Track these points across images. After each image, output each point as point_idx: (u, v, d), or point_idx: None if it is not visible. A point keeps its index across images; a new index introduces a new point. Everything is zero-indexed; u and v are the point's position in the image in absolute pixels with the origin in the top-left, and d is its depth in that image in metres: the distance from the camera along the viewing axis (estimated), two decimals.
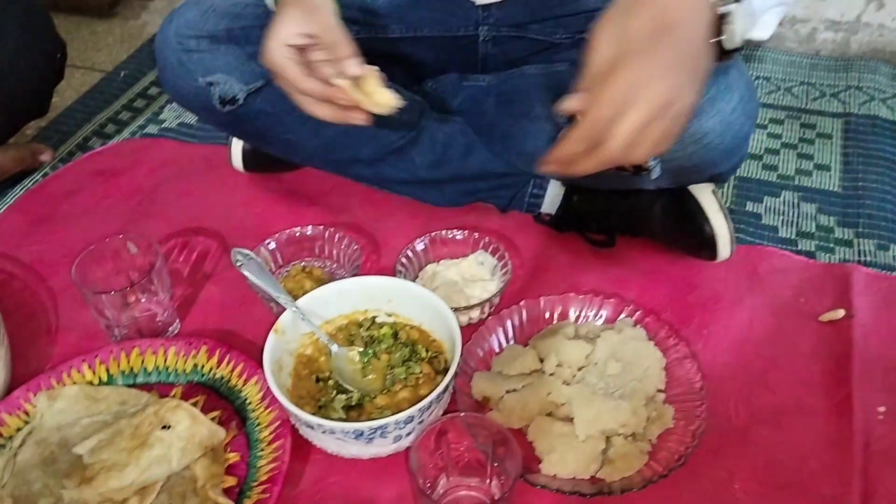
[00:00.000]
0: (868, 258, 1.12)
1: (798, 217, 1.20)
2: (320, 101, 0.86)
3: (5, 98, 1.18)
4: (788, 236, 1.17)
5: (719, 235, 1.01)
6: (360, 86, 0.84)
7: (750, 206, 1.22)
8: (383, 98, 0.84)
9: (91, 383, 0.92)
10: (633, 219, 1.08)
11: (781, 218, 1.20)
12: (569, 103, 0.69)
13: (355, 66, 0.82)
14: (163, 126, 1.45)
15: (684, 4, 0.65)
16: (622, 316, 0.98)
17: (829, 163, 1.31)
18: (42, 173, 1.34)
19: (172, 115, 1.47)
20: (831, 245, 1.14)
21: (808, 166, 1.31)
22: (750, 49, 1.62)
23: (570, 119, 0.94)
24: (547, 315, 0.99)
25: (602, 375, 0.90)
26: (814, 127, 1.39)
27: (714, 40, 0.69)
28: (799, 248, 1.14)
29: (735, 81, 0.87)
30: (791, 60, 1.58)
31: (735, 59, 0.88)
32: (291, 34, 0.83)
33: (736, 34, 0.69)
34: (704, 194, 1.02)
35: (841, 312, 1.00)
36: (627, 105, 0.64)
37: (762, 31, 0.73)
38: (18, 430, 0.87)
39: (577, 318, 0.99)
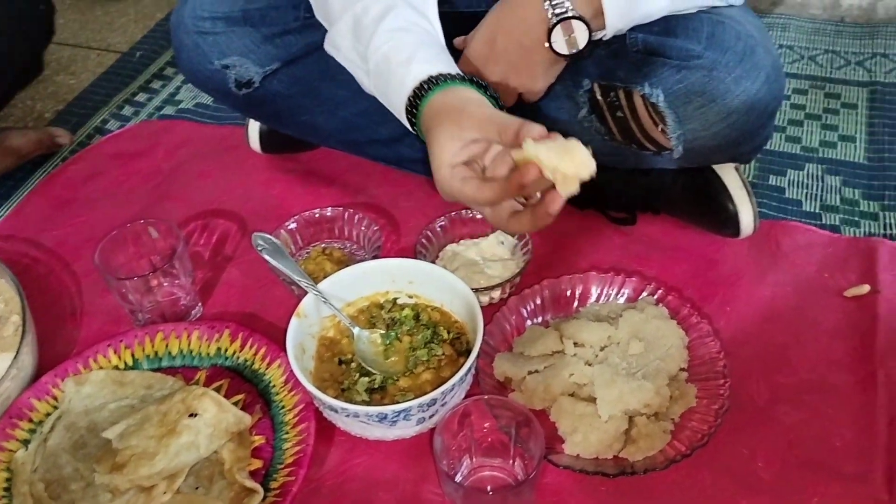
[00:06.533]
0: (894, 231, 1.10)
1: (822, 190, 1.18)
2: (512, 219, 0.75)
3: None
4: (812, 210, 1.15)
5: (742, 213, 1.01)
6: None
7: (773, 180, 1.21)
8: (581, 165, 0.67)
9: (117, 368, 0.94)
10: (654, 196, 1.07)
11: (805, 191, 1.18)
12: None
13: (537, 127, 0.70)
14: (179, 107, 1.45)
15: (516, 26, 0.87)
16: (644, 294, 0.97)
17: (854, 134, 1.28)
18: (61, 157, 1.34)
19: (189, 95, 1.47)
20: (856, 219, 1.13)
21: (833, 137, 1.28)
22: (772, 17, 1.58)
23: (589, 94, 0.93)
24: (568, 294, 0.99)
25: (624, 355, 0.90)
26: (838, 97, 1.37)
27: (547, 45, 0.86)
28: (823, 222, 1.13)
29: (761, 61, 0.85)
30: (815, 28, 1.54)
31: (757, 39, 0.87)
32: (454, 152, 0.75)
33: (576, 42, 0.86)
34: (727, 171, 1.01)
35: (866, 288, 0.99)
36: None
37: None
38: (48, 415, 0.89)
39: (599, 296, 0.99)
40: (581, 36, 0.85)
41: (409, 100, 0.80)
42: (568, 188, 0.67)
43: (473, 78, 0.81)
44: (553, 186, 0.68)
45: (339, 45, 0.89)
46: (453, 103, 0.76)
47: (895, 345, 0.93)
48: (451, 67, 0.81)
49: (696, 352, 0.91)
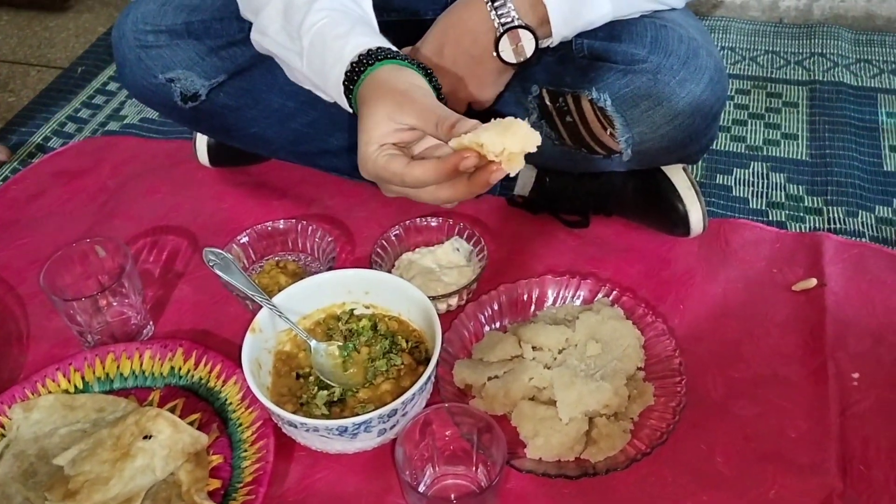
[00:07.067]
0: (837, 225, 1.13)
1: (768, 188, 1.21)
2: (442, 185, 0.71)
3: None
4: (759, 207, 1.18)
5: (692, 213, 1.02)
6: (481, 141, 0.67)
7: (720, 179, 1.23)
8: (526, 139, 0.66)
9: (66, 392, 0.91)
10: (606, 199, 1.08)
11: (751, 189, 1.21)
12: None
13: (471, 122, 0.68)
14: (124, 122, 1.42)
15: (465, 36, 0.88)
16: (599, 296, 0.98)
17: (797, 131, 1.32)
18: (2, 176, 1.30)
19: (134, 110, 1.44)
20: (801, 214, 1.16)
21: (776, 136, 1.32)
22: (713, 19, 1.62)
23: (538, 100, 0.94)
24: (525, 298, 0.99)
25: (582, 357, 0.90)
26: (780, 96, 1.41)
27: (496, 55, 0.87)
28: (770, 218, 1.15)
29: (704, 63, 0.87)
30: (755, 29, 1.58)
31: (700, 42, 0.89)
32: (387, 132, 0.72)
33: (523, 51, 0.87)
34: (675, 172, 1.03)
35: (813, 281, 1.01)
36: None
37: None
38: None
39: (555, 299, 0.99)
40: (528, 45, 0.86)
41: (350, 65, 0.77)
42: (515, 166, 0.67)
43: (420, 63, 0.79)
44: (487, 163, 0.67)
45: (266, 30, 0.86)
46: (399, 84, 0.74)
47: (843, 336, 0.95)
48: (391, 46, 0.80)
49: (653, 350, 0.92)
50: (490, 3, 0.85)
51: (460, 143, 0.67)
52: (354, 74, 0.77)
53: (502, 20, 0.85)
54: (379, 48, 0.78)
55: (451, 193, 0.72)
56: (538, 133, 0.67)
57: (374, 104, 0.74)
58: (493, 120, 0.68)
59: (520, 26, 0.85)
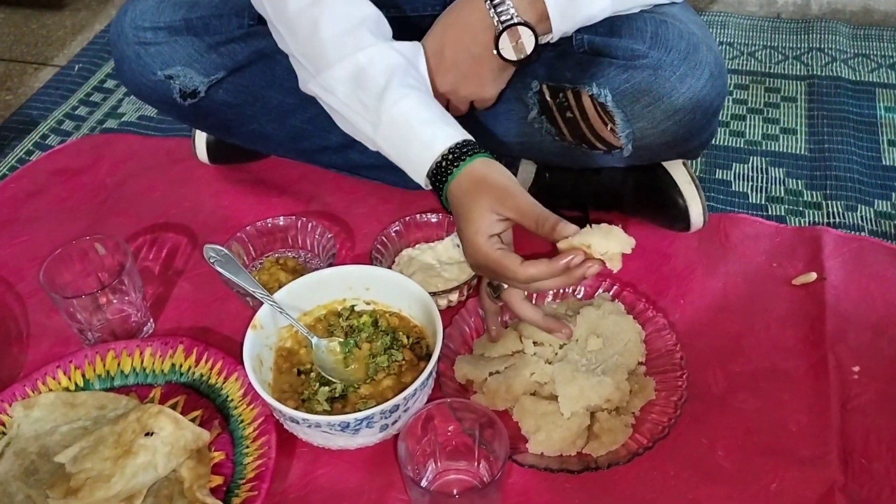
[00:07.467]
0: (837, 220, 1.13)
1: (767, 182, 1.21)
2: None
3: None
4: (758, 202, 1.18)
5: (692, 207, 1.03)
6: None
7: (719, 174, 1.23)
8: (624, 242, 0.75)
9: (67, 389, 0.91)
10: (606, 194, 1.08)
11: (751, 184, 1.21)
12: None
13: (572, 226, 0.75)
14: (122, 120, 1.41)
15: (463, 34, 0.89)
16: (600, 291, 0.98)
17: (795, 126, 1.32)
18: (0, 174, 1.30)
19: (132, 108, 1.44)
20: (801, 209, 1.16)
21: (775, 130, 1.32)
22: (711, 14, 1.62)
23: (538, 95, 0.94)
24: (526, 293, 0.99)
25: (583, 352, 0.90)
26: (778, 91, 1.41)
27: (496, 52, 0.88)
28: (769, 213, 1.16)
29: (704, 58, 0.87)
30: (753, 24, 1.59)
31: (700, 37, 0.89)
32: (491, 223, 0.78)
33: (523, 48, 0.88)
34: (676, 167, 1.03)
35: (813, 275, 1.01)
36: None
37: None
38: None
39: (556, 294, 0.99)
40: (528, 41, 0.86)
41: (442, 157, 0.80)
42: (616, 265, 0.76)
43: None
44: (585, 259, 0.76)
45: (334, 90, 0.87)
46: (497, 180, 0.78)
47: (844, 330, 0.95)
48: (471, 136, 0.83)
49: (653, 345, 0.92)
50: (489, 1, 0.85)
51: (570, 244, 0.75)
52: (448, 165, 0.80)
53: (501, 17, 0.85)
54: (465, 140, 0.81)
55: (552, 284, 0.78)
56: (632, 238, 0.75)
57: (476, 197, 0.78)
58: (588, 226, 0.76)
59: (519, 23, 0.85)
